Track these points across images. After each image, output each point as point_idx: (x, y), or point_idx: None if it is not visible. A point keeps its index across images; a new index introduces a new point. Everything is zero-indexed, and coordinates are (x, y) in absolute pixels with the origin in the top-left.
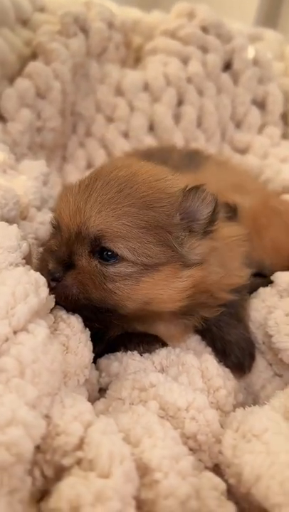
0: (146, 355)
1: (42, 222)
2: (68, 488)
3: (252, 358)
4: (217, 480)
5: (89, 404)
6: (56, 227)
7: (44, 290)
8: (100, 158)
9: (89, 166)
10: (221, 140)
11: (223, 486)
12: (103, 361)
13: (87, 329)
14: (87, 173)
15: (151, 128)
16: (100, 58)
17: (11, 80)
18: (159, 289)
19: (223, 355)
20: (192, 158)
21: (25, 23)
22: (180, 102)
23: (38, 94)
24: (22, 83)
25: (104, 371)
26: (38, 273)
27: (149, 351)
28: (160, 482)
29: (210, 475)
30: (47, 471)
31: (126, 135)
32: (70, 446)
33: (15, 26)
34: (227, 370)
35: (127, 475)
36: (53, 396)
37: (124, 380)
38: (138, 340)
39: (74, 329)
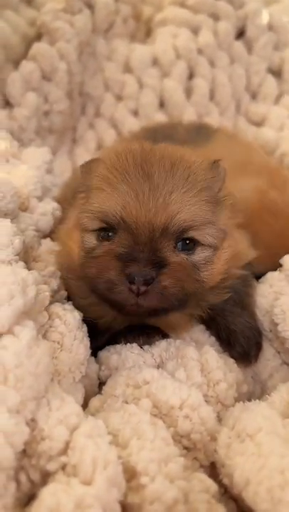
0: (146, 347)
1: (43, 213)
2: (49, 495)
3: (258, 347)
4: (209, 482)
5: (77, 406)
6: (115, 225)
7: (33, 289)
8: (109, 138)
9: (99, 147)
10: (236, 113)
11: (214, 488)
12: (103, 354)
13: (84, 326)
14: (97, 154)
15: (162, 104)
16: (107, 34)
17: (16, 64)
18: (220, 265)
19: (228, 345)
20: (199, 132)
21: (29, 1)
22: (191, 75)
23: (44, 76)
24: (27, 66)
25: (103, 364)
26: (27, 272)
27: (149, 343)
28: (146, 486)
29: (202, 476)
30: (33, 476)
31: (136, 113)
32: (55, 451)
33: (19, 6)
34: (230, 361)
35: (111, 481)
36: (39, 399)
37: (119, 376)
38: (138, 332)
39: (69, 326)
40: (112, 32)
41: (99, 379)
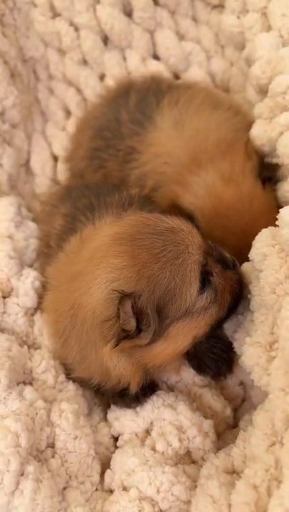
0: (138, 408)
1: (26, 293)
2: None
3: (229, 363)
4: None
5: None
6: None
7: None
8: (72, 101)
9: (67, 115)
10: (191, 2)
11: None
12: (109, 415)
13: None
14: (69, 125)
15: (106, 40)
16: None
17: None
18: None
19: (199, 371)
20: (148, 101)
21: None
22: None
23: None
24: None
25: (112, 425)
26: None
27: (144, 401)
28: None
29: None
30: None
31: (85, 62)
32: None
33: None
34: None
35: None
36: None
37: (113, 469)
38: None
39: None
40: None
41: (112, 436)
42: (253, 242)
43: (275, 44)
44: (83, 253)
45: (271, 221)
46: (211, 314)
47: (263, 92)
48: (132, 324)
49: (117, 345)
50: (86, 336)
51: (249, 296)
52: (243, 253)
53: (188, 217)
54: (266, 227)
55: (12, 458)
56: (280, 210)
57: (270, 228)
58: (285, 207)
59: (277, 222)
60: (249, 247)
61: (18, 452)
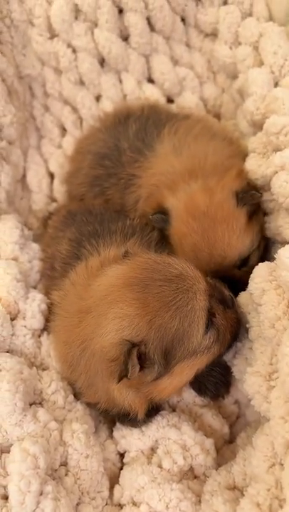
0: (144, 428)
1: (33, 315)
2: None
3: (227, 385)
4: None
5: None
6: None
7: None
8: (68, 119)
9: (63, 133)
10: (185, 29)
11: None
12: (115, 434)
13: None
14: (64, 143)
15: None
16: None
17: None
18: None
19: (199, 392)
20: (148, 130)
21: None
22: (120, 11)
23: None
24: None
25: (119, 442)
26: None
27: (149, 421)
28: None
29: None
30: None
31: (81, 83)
32: None
33: None
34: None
35: None
36: None
37: (122, 485)
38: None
39: (80, 450)
40: None
41: (118, 453)
42: (252, 277)
43: (268, 80)
44: (93, 288)
45: (230, 232)
46: (213, 352)
47: (256, 125)
48: (135, 371)
49: (119, 381)
50: (94, 367)
51: (248, 326)
52: (200, 249)
53: (165, 214)
54: (224, 235)
55: (32, 479)
56: (279, 251)
57: (267, 263)
58: (284, 248)
59: (275, 262)
60: (207, 246)
61: (37, 473)
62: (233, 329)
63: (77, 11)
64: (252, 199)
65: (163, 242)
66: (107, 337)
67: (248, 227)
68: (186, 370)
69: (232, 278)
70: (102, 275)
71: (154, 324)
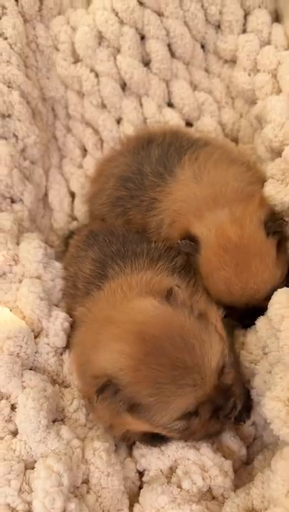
0: (163, 447)
1: (55, 333)
2: None
3: (248, 409)
4: None
5: None
6: None
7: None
8: (90, 140)
9: (84, 154)
10: (205, 55)
11: None
12: (135, 452)
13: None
14: (85, 163)
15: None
16: (42, 15)
17: None
18: None
19: None
20: (170, 156)
21: None
22: (142, 37)
23: (2, 115)
24: None
25: (138, 461)
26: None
27: (169, 441)
28: None
29: None
30: None
31: (103, 106)
32: None
33: None
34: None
35: None
36: None
37: (142, 504)
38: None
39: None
40: (46, 9)
41: (137, 471)
42: (271, 302)
43: (286, 108)
44: (115, 308)
45: (263, 266)
46: (174, 435)
47: (274, 152)
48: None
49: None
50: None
51: (267, 351)
52: (233, 284)
53: (195, 241)
54: (257, 270)
55: (56, 496)
56: None
57: (286, 289)
58: None
59: None
60: (240, 281)
61: (61, 491)
62: (206, 436)
63: (100, 38)
64: (279, 227)
65: (186, 267)
66: (97, 363)
67: (278, 259)
68: (147, 428)
69: (260, 308)
70: (130, 302)
71: (137, 383)
